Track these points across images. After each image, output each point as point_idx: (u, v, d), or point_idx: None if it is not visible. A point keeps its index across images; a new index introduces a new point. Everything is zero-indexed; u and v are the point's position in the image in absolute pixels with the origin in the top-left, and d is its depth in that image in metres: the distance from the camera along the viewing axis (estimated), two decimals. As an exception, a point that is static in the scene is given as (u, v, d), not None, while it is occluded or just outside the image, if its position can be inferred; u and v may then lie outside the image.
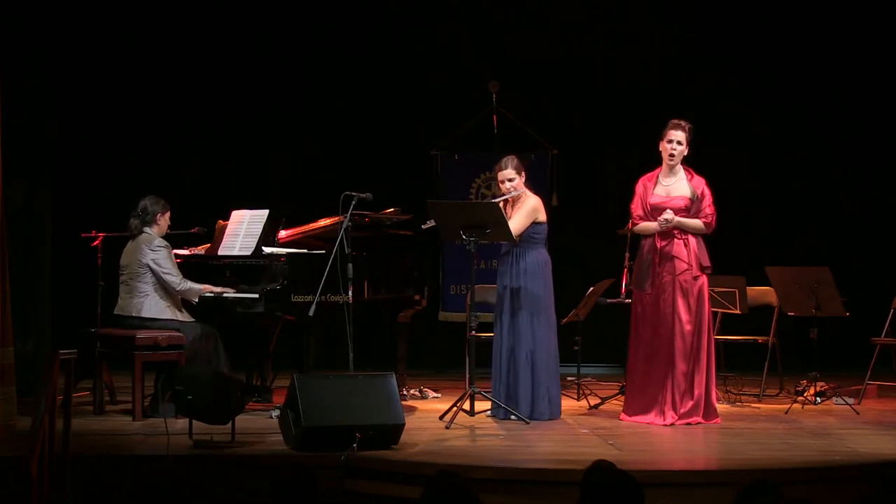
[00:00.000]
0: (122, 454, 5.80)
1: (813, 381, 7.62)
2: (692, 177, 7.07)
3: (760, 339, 8.06)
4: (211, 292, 7.15)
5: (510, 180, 7.13)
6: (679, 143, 7.02)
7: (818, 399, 7.60)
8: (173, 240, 7.60)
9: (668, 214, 6.89)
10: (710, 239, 7.06)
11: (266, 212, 7.34)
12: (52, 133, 8.53)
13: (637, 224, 7.09)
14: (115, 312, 7.21)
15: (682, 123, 7.06)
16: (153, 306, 7.09)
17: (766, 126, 9.99)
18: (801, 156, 9.98)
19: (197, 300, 7.17)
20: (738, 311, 7.84)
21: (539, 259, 7.19)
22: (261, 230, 7.28)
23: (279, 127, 10.29)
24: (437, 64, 10.20)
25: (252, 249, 7.20)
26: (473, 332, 7.02)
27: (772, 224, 10.07)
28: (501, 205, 7.05)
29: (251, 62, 10.27)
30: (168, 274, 7.11)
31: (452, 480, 4.03)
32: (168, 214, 7.33)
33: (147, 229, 7.23)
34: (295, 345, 7.25)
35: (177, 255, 7.48)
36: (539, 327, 7.10)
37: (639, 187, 7.15)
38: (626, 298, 7.94)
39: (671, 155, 7.03)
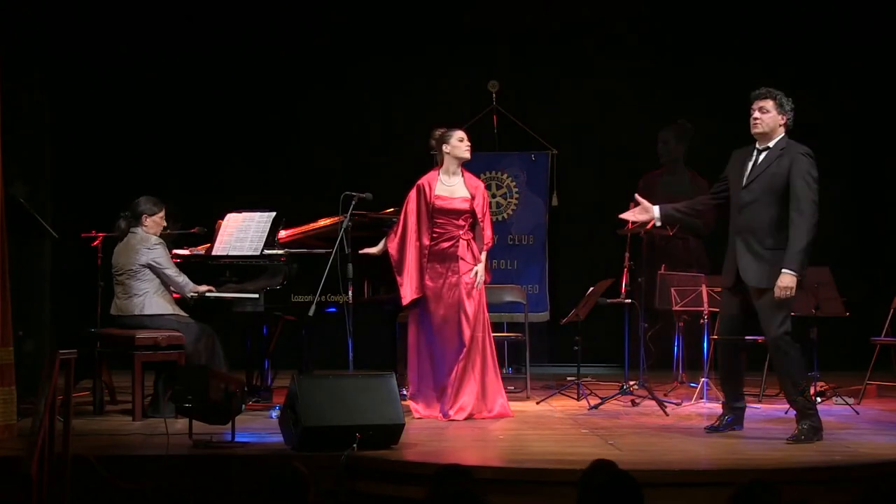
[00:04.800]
0: (122, 454, 5.80)
1: (813, 381, 7.62)
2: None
3: (760, 338, 8.05)
4: (197, 292, 7.16)
5: None
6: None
7: (818, 399, 7.58)
8: (173, 240, 7.61)
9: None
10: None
11: (272, 213, 7.34)
12: (51, 133, 8.53)
13: None
14: (111, 313, 7.20)
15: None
16: (154, 304, 7.10)
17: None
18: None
19: (191, 299, 7.18)
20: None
21: None
22: (259, 231, 7.28)
23: (279, 126, 10.29)
24: (437, 63, 10.20)
25: (258, 250, 7.19)
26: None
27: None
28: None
29: (252, 62, 10.27)
30: (168, 269, 7.13)
31: (457, 476, 4.05)
32: (160, 216, 7.28)
33: (135, 230, 7.22)
34: (295, 345, 7.25)
35: (177, 255, 7.50)
36: None
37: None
38: (626, 298, 7.94)
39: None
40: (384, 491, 5.37)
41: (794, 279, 6.07)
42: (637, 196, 6.56)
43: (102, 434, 6.37)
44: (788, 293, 6.08)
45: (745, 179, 6.23)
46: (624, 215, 6.56)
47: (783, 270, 6.09)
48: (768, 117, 6.23)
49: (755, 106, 6.26)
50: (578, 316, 7.82)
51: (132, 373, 6.90)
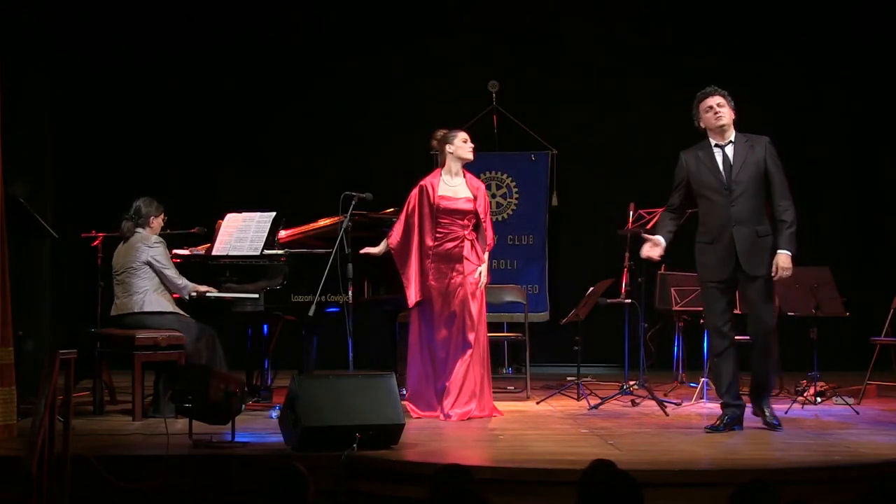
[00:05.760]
0: (122, 454, 5.80)
1: (813, 381, 7.62)
2: None
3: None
4: (196, 292, 7.16)
5: None
6: None
7: (818, 399, 7.60)
8: (174, 240, 7.61)
9: None
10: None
11: (272, 213, 7.34)
12: (51, 133, 8.54)
13: None
14: (112, 314, 7.19)
15: None
16: (154, 301, 7.10)
17: (765, 126, 9.99)
18: (800, 155, 9.98)
19: (188, 297, 7.19)
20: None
21: None
22: (259, 231, 7.29)
23: (279, 126, 10.30)
24: (437, 63, 10.21)
25: (258, 250, 7.19)
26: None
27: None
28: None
29: (252, 62, 10.28)
30: (167, 269, 7.13)
31: (457, 476, 4.04)
32: (161, 217, 7.32)
33: (140, 230, 7.23)
34: (295, 345, 7.25)
35: (177, 255, 7.50)
36: None
37: None
38: (626, 298, 7.95)
39: None
40: (384, 491, 5.37)
41: (790, 258, 6.33)
42: (643, 234, 6.71)
43: (102, 434, 6.36)
44: (789, 273, 6.34)
45: (724, 174, 6.37)
46: (645, 255, 6.61)
47: (780, 251, 6.33)
48: (726, 111, 6.47)
49: (711, 102, 6.46)
50: (578, 316, 7.81)
51: (132, 373, 6.90)
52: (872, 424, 6.83)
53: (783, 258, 6.31)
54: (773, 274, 6.33)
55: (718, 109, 6.42)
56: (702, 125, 6.51)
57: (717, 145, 6.44)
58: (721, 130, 6.43)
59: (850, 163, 10.36)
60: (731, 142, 6.43)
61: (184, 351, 6.99)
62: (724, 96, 6.46)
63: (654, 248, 6.59)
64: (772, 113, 9.79)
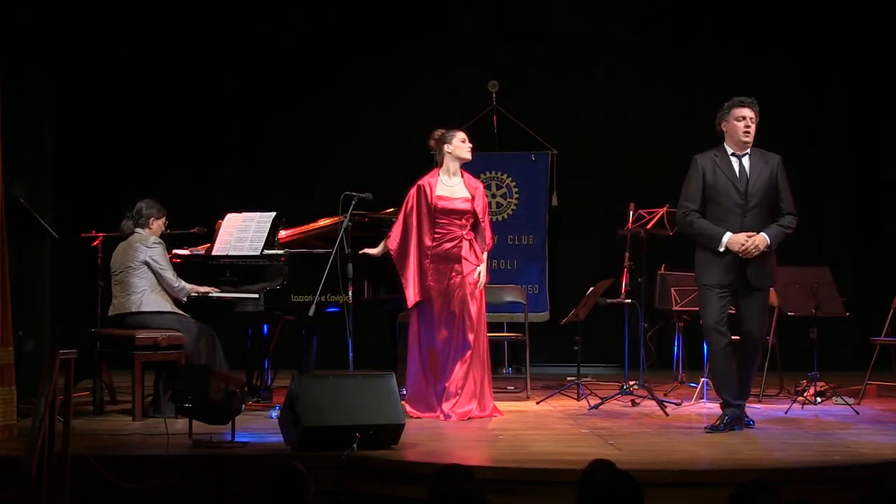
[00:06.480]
0: (122, 454, 5.80)
1: (813, 381, 7.63)
2: None
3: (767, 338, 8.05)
4: (197, 292, 7.16)
5: None
6: None
7: (818, 399, 7.60)
8: (174, 240, 7.61)
9: None
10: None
11: (272, 213, 7.34)
12: (51, 133, 8.54)
13: None
14: (109, 314, 7.19)
15: None
16: (152, 301, 7.09)
17: (765, 126, 10.00)
18: (799, 156, 9.99)
19: (185, 299, 7.18)
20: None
21: None
22: (259, 231, 7.29)
23: (279, 126, 10.30)
24: (438, 63, 10.21)
25: (258, 250, 7.18)
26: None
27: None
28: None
29: (251, 62, 10.28)
30: (165, 271, 7.13)
31: (457, 476, 4.05)
32: (163, 220, 7.31)
33: (139, 230, 7.23)
34: (295, 345, 7.25)
35: (177, 255, 7.50)
36: None
37: None
38: (626, 298, 7.94)
39: None
40: (384, 491, 5.37)
41: (766, 246, 6.32)
42: (744, 245, 6.41)
43: (102, 434, 6.37)
44: (754, 251, 6.29)
45: (742, 185, 6.37)
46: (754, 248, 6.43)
47: (763, 234, 6.33)
48: (755, 126, 6.43)
49: (746, 113, 6.42)
50: (578, 316, 7.81)
51: (132, 373, 6.90)
52: (872, 424, 6.83)
53: (761, 238, 6.30)
54: (742, 243, 6.28)
55: (751, 124, 6.39)
56: (723, 128, 6.46)
57: (733, 154, 6.43)
58: (745, 144, 6.41)
59: (850, 163, 10.36)
60: (747, 153, 6.43)
61: (184, 351, 6.99)
62: (757, 113, 6.42)
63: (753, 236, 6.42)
64: (771, 113, 9.77)
